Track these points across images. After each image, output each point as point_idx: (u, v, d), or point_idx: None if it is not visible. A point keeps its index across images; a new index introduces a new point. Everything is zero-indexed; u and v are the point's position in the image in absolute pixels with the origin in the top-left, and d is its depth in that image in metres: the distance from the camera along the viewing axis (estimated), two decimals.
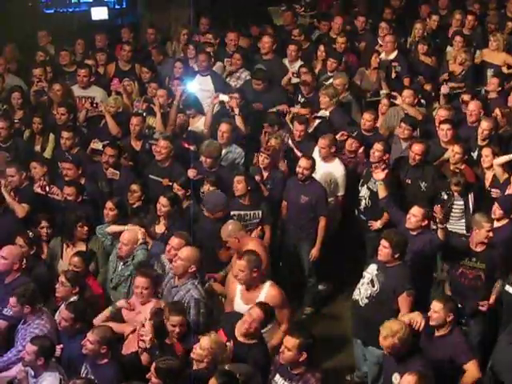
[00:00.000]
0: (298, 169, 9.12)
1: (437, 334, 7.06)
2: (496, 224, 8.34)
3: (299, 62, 11.65)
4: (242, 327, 6.78)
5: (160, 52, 12.49)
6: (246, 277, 7.33)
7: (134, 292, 7.58)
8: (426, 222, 8.20)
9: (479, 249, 7.87)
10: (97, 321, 7.33)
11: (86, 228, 8.47)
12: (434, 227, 8.23)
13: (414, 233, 8.17)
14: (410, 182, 9.30)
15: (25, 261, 7.97)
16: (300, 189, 9.17)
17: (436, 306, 6.98)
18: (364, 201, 9.38)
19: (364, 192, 9.37)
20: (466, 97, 10.42)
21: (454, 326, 7.02)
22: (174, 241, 7.77)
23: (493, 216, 8.33)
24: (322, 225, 9.16)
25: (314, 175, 9.34)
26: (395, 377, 6.75)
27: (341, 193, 9.56)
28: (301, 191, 9.15)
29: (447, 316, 6.95)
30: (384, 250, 7.57)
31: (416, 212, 8.19)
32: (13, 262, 7.83)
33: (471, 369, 6.86)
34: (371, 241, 9.30)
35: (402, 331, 6.65)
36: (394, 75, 11.46)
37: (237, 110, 10.21)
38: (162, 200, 8.59)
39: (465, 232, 8.89)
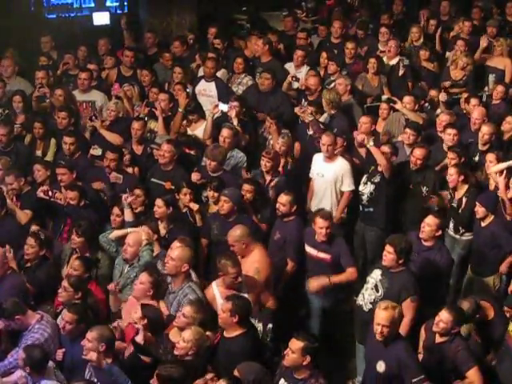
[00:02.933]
0: (276, 204, 8.67)
1: (438, 340, 7.05)
2: (483, 224, 8.43)
3: (305, 67, 11.68)
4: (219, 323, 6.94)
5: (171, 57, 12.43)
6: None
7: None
8: (440, 232, 8.15)
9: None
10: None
11: (76, 238, 8.30)
12: None
13: (428, 244, 8.10)
14: (411, 186, 9.31)
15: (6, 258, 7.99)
16: (277, 224, 8.75)
17: (444, 317, 6.94)
18: (367, 194, 9.35)
19: (368, 188, 9.33)
20: (473, 101, 10.41)
21: (457, 333, 7.01)
22: (176, 245, 7.77)
23: (477, 216, 8.41)
24: (288, 268, 8.52)
25: (322, 178, 9.34)
26: (380, 364, 6.75)
27: (351, 187, 9.38)
28: (277, 226, 8.74)
29: (453, 328, 6.94)
30: (388, 255, 7.54)
31: (430, 221, 8.10)
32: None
33: (473, 376, 6.84)
34: (371, 245, 9.38)
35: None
36: (401, 72, 11.46)
37: (235, 121, 10.16)
38: (158, 202, 8.61)
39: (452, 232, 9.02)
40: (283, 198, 8.59)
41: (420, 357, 7.21)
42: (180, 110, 10.44)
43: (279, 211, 8.61)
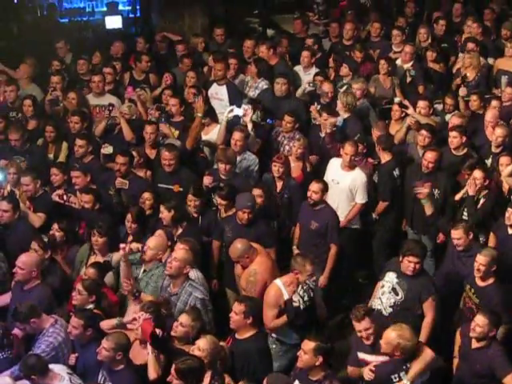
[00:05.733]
0: (308, 192, 8.78)
1: (475, 345, 6.99)
2: (511, 231, 8.34)
3: (314, 69, 11.66)
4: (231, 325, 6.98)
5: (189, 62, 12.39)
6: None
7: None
8: (472, 235, 8.10)
9: (480, 283, 7.64)
10: (103, 325, 7.35)
11: (96, 238, 8.31)
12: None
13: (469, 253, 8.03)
14: None
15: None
16: (311, 214, 8.80)
17: (480, 321, 6.90)
18: None
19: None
20: (494, 103, 10.39)
21: (494, 338, 6.98)
22: (179, 247, 7.83)
23: (507, 222, 8.31)
24: (333, 253, 8.77)
25: (337, 186, 9.29)
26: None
27: (364, 200, 9.37)
28: (311, 216, 8.79)
29: (490, 331, 6.90)
30: (417, 265, 7.55)
31: (457, 235, 8.06)
32: (31, 271, 7.80)
33: (510, 382, 6.79)
34: (375, 243, 9.57)
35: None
36: (408, 80, 11.45)
37: (250, 125, 10.12)
38: (161, 208, 8.64)
39: None
40: (315, 186, 8.72)
41: (455, 362, 7.25)
42: (199, 114, 10.32)
43: (311, 199, 8.70)
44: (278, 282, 7.55)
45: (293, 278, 7.50)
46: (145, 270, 8.09)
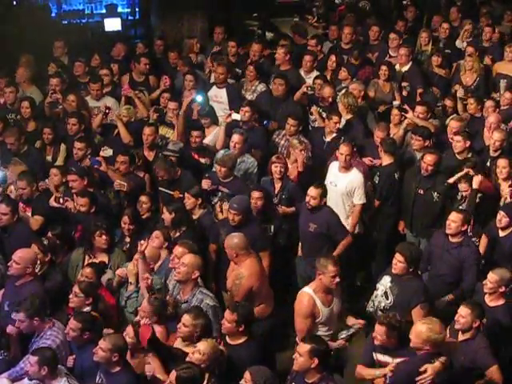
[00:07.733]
0: (306, 197, 8.74)
1: (461, 337, 7.02)
2: (502, 234, 8.41)
3: (315, 73, 11.66)
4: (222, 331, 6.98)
5: (185, 63, 12.43)
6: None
7: None
8: (466, 226, 8.21)
9: (490, 303, 7.50)
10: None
11: (104, 237, 8.38)
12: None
13: (456, 240, 8.16)
14: (422, 192, 9.27)
15: (39, 266, 7.96)
16: (308, 216, 8.78)
17: (463, 311, 6.96)
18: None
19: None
20: (489, 103, 10.43)
21: (479, 330, 6.99)
22: (178, 250, 7.82)
23: (498, 225, 8.39)
24: (344, 243, 8.75)
25: (334, 188, 9.29)
26: None
27: (362, 200, 9.35)
28: (309, 218, 8.76)
29: (474, 322, 6.93)
30: (399, 264, 7.54)
31: (454, 217, 8.18)
32: (25, 267, 7.77)
33: (493, 374, 6.82)
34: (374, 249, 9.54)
35: None
36: (405, 93, 11.41)
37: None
38: (164, 209, 8.72)
39: None
40: (314, 191, 8.66)
41: None
42: (180, 113, 10.47)
43: (310, 204, 8.65)
44: (308, 289, 7.40)
45: (319, 283, 7.36)
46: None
